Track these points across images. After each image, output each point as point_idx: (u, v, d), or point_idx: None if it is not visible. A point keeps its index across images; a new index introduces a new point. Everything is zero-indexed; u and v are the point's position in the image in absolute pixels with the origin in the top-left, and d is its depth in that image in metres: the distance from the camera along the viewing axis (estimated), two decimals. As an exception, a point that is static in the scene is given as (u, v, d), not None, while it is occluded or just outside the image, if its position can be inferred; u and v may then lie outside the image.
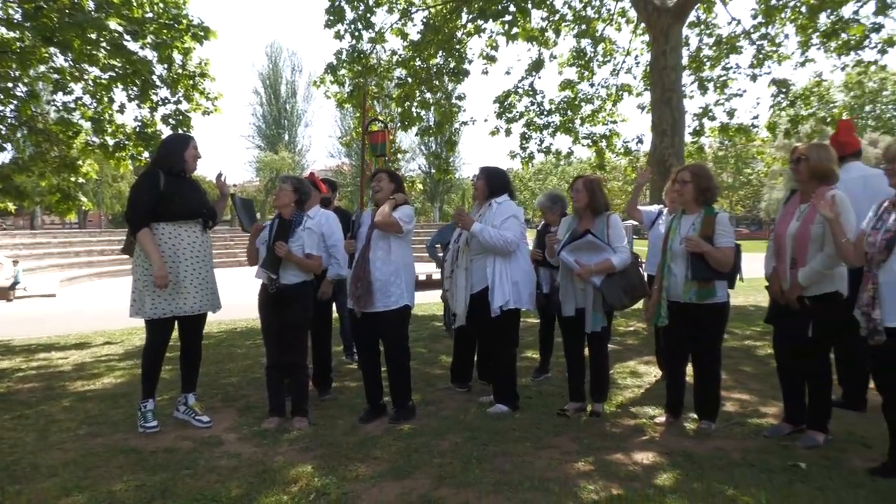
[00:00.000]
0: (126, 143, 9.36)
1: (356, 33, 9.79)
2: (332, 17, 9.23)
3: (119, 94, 9.43)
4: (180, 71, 9.14)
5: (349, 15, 9.41)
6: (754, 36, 11.50)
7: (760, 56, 11.63)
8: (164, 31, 8.51)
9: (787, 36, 11.42)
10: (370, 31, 9.85)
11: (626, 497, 2.80)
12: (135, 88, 8.82)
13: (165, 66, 8.77)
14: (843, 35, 9.81)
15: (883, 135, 39.72)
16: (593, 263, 4.00)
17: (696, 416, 3.92)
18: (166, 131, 9.18)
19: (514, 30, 9.77)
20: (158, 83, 8.95)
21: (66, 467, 3.27)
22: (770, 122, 12.02)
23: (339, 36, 9.95)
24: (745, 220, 52.67)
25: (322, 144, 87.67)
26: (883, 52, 10.05)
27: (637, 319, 8.56)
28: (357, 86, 10.77)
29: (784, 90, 11.61)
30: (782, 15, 10.86)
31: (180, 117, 9.30)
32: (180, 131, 9.11)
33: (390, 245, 4.06)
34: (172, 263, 3.91)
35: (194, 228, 4.04)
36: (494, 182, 4.39)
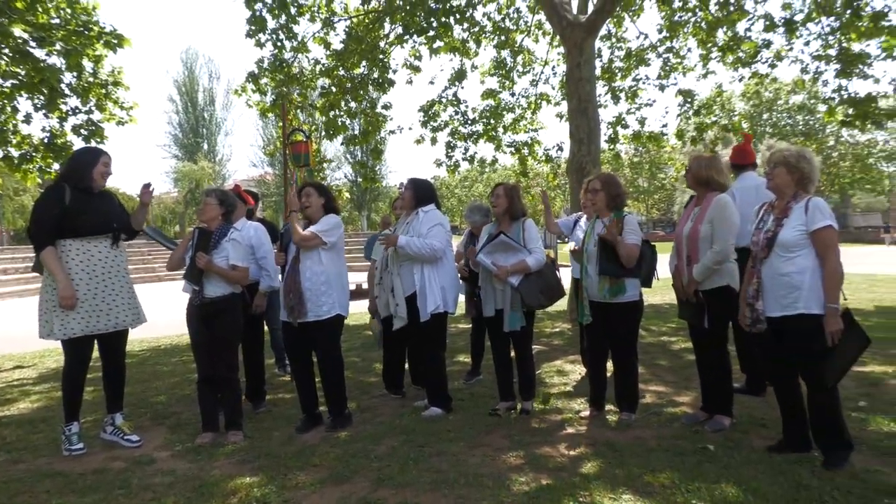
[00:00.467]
0: (34, 154, 8.88)
1: (278, 42, 9.72)
2: (253, 27, 9.12)
3: (24, 104, 8.95)
4: (91, 79, 8.78)
5: (271, 24, 9.33)
6: (660, 49, 12.26)
7: (667, 68, 12.41)
8: (74, 38, 8.16)
9: (689, 49, 12.27)
10: (293, 40, 9.80)
11: (554, 486, 2.99)
12: (41, 97, 8.39)
13: (75, 74, 8.41)
14: (739, 50, 10.59)
15: (779, 141, 42.83)
16: (510, 265, 4.22)
17: (617, 408, 4.19)
18: (78, 142, 8.78)
19: (438, 43, 10.00)
20: (67, 92, 8.56)
21: (-13, 497, 3.13)
22: (678, 130, 12.79)
23: (259, 44, 9.86)
24: (661, 223, 55.35)
25: (244, 153, 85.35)
26: (773, 66, 10.97)
27: (562, 320, 8.92)
28: (280, 95, 10.67)
29: (689, 100, 12.41)
30: (685, 30, 11.63)
31: (93, 128, 8.90)
32: (93, 142, 8.75)
33: (320, 255, 4.11)
34: (85, 281, 3.79)
35: (105, 244, 3.92)
36: (421, 192, 4.57)
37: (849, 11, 8.90)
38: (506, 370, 4.49)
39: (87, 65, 8.65)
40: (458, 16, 8.77)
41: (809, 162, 3.24)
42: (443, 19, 8.53)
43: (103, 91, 8.97)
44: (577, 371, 5.68)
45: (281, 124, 11.70)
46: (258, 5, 8.91)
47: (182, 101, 51.03)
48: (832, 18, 9.49)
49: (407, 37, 10.47)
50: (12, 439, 4.19)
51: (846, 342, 3.02)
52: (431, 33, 8.55)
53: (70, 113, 8.75)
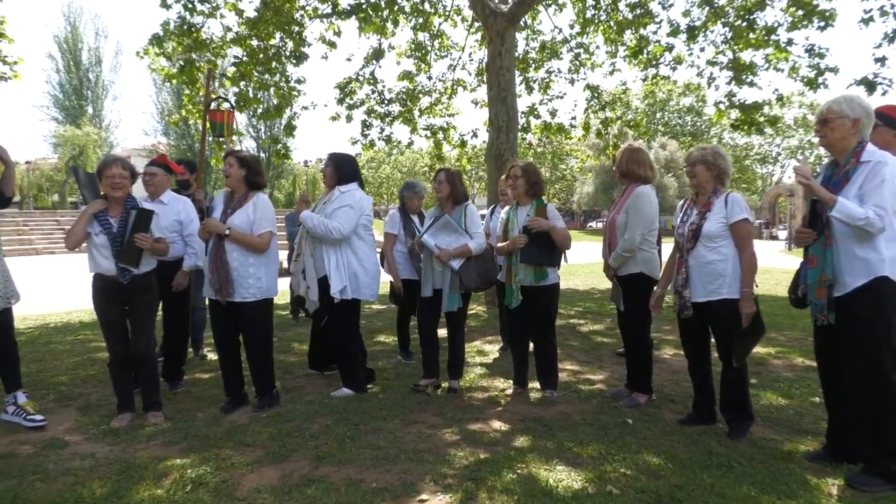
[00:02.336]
0: None
1: (189, 5, 9.15)
2: (164, -14, 8.49)
3: None
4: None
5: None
6: (572, 44, 12.73)
7: (577, 63, 12.91)
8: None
9: (598, 47, 12.82)
10: (205, 3, 9.26)
11: (492, 460, 3.12)
12: None
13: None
14: (645, 52, 11.20)
15: (671, 139, 45.78)
16: (452, 248, 4.30)
17: (539, 386, 4.40)
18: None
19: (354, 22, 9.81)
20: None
21: None
22: (585, 123, 13.36)
23: (166, 5, 9.25)
24: (560, 212, 57.69)
25: (134, 120, 79.30)
26: (673, 68, 11.73)
27: (476, 303, 9.15)
28: (188, 61, 10.07)
29: (596, 95, 12.99)
30: (596, 28, 12.13)
31: (-30, 82, 8.05)
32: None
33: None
34: None
35: None
36: (343, 169, 4.45)
37: (744, 23, 9.67)
38: (432, 347, 4.57)
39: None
40: None
41: (725, 158, 3.55)
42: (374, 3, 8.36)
43: (-17, 42, 8.11)
44: (495, 351, 5.88)
45: (188, 91, 11.06)
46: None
47: (64, 59, 46.50)
48: (727, 28, 10.28)
49: (328, 12, 10.19)
50: None
51: (753, 325, 3.34)
52: (362, 15, 8.33)
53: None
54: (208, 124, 7.01)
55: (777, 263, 18.19)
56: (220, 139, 8.18)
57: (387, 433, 3.53)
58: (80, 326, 7.86)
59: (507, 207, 4.59)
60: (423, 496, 2.71)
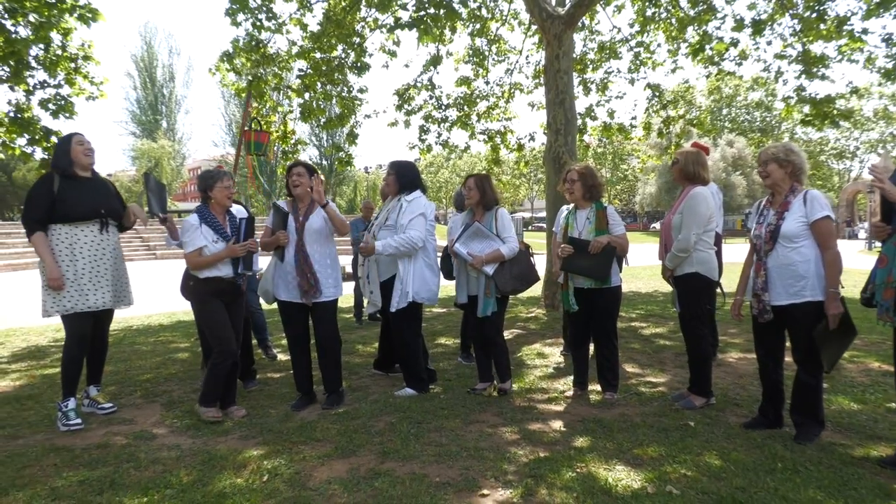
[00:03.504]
0: (-3, 128, 8.62)
1: (258, 22, 9.60)
2: (234, 6, 8.96)
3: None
4: (60, 52, 8.55)
5: (253, 3, 9.19)
6: (632, 43, 12.55)
7: (637, 62, 12.72)
8: (45, 9, 7.93)
9: (659, 45, 12.59)
10: (272, 21, 9.70)
11: (552, 458, 3.18)
12: (6, 69, 8.14)
13: (41, 46, 8.18)
14: (708, 48, 10.93)
15: (738, 136, 44.19)
16: (484, 254, 4.37)
17: (600, 388, 4.42)
18: (45, 117, 8.58)
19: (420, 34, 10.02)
20: (34, 64, 8.32)
21: (-6, 470, 3.15)
22: (645, 123, 13.14)
23: (236, 23, 9.72)
24: (622, 213, 56.56)
25: (205, 133, 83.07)
26: (738, 64, 11.38)
27: (536, 306, 9.16)
28: (256, 76, 10.56)
29: (658, 94, 12.76)
30: (656, 25, 11.92)
31: (61, 102, 8.70)
32: (62, 117, 8.60)
33: (326, 238, 4.23)
34: (69, 263, 3.96)
35: (91, 229, 4.06)
36: (405, 177, 4.55)
37: (813, 14, 9.31)
38: (484, 353, 4.65)
39: (56, 37, 8.42)
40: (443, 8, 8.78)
41: (798, 154, 3.44)
42: (430, 10, 8.54)
43: (73, 65, 8.75)
44: (557, 353, 5.90)
45: (256, 104, 11.57)
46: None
47: (140, 77, 49.47)
48: (795, 20, 9.91)
49: (386, 23, 10.47)
50: (3, 416, 4.17)
51: (840, 329, 3.24)
52: (423, 26, 8.53)
53: (37, 87, 8.51)
54: (252, 141, 7.26)
55: (856, 264, 17.27)
56: (262, 156, 8.52)
57: (448, 431, 3.65)
58: (160, 329, 8.37)
59: (565, 210, 4.60)
60: (485, 491, 2.81)
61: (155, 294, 13.60)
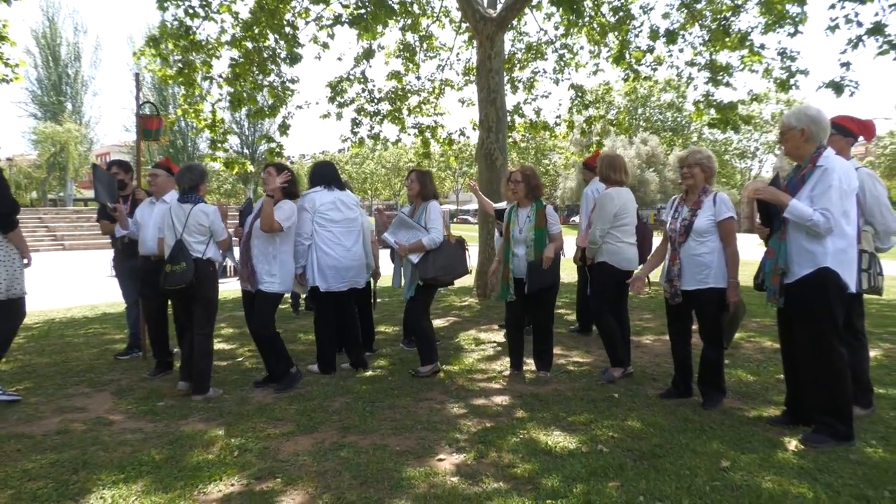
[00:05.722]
0: None
1: (189, 9, 9.43)
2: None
3: None
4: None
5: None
6: (557, 45, 13.19)
7: (562, 63, 13.37)
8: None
9: (582, 47, 13.29)
10: (206, 8, 9.56)
11: (497, 427, 3.56)
12: None
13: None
14: (626, 54, 11.65)
15: (651, 134, 46.57)
16: (408, 243, 4.75)
17: (535, 368, 4.85)
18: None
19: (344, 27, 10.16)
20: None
21: (-44, 457, 3.17)
22: (569, 121, 13.83)
23: (163, 8, 9.51)
24: (542, 206, 58.44)
25: (115, 117, 78.39)
26: (654, 69, 12.22)
27: (469, 296, 9.58)
28: (186, 62, 10.37)
29: (580, 94, 13.47)
30: (579, 29, 12.57)
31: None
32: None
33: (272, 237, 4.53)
34: None
35: None
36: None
37: (720, 27, 10.18)
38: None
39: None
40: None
41: (714, 161, 4.00)
42: (370, 8, 8.72)
43: (-15, 45, 8.35)
44: (491, 338, 6.31)
45: (184, 91, 11.33)
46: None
47: (42, 55, 45.90)
48: (704, 31, 10.79)
49: (324, 18, 10.54)
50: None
51: (737, 311, 3.80)
52: (363, 24, 8.70)
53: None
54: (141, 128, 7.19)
55: (755, 255, 18.87)
56: (155, 140, 8.43)
57: (401, 408, 3.96)
58: (87, 321, 8.16)
59: (506, 206, 5.02)
60: (441, 456, 3.15)
61: (70, 285, 13.04)
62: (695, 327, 4.06)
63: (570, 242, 6.65)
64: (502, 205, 5.96)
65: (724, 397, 4.00)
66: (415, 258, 4.72)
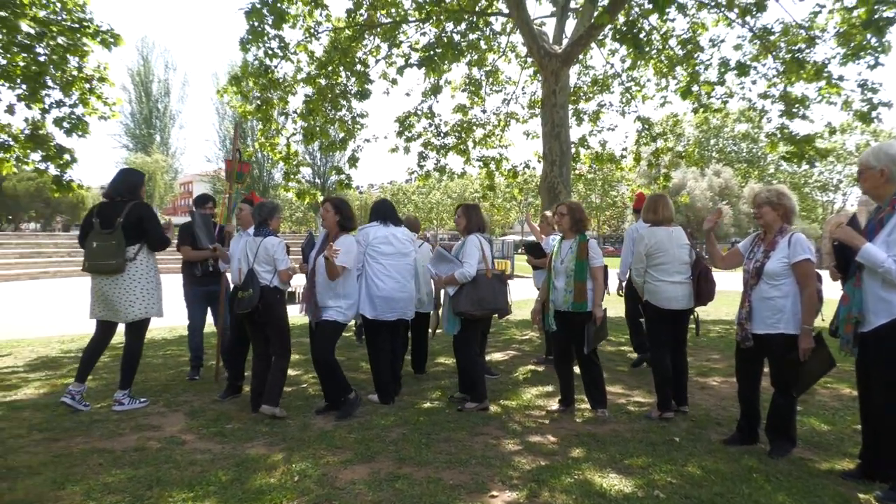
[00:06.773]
0: (11, 144, 8.92)
1: (269, 50, 10.01)
2: (251, 37, 9.30)
3: (6, 93, 9.01)
4: (75, 73, 8.91)
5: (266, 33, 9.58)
6: (623, 77, 13.14)
7: (628, 96, 13.30)
8: (69, 33, 8.33)
9: (649, 80, 13.18)
10: (284, 50, 10.14)
11: (552, 466, 3.54)
12: (23, 88, 8.48)
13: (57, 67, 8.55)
14: (695, 87, 11.46)
15: (725, 166, 45.18)
16: (444, 276, 4.90)
17: (590, 406, 4.78)
18: (59, 135, 8.88)
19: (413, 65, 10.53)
20: (51, 84, 8.68)
21: (46, 467, 3.45)
22: (636, 153, 13.66)
23: (245, 49, 10.13)
24: (611, 239, 57.43)
25: (197, 148, 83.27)
26: (724, 102, 11.94)
27: (530, 329, 9.54)
28: (264, 100, 10.98)
29: (647, 126, 13.31)
30: (646, 62, 12.49)
31: (75, 121, 9.03)
32: (75, 136, 8.94)
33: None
34: None
35: None
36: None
37: (794, 59, 9.88)
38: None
39: (72, 59, 8.79)
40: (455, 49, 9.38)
41: (789, 198, 3.85)
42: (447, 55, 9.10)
43: (87, 85, 9.10)
44: (550, 374, 6.25)
45: (261, 126, 11.98)
46: (255, 21, 9.04)
47: (136, 91, 49.77)
48: (778, 62, 10.50)
49: (391, 53, 10.97)
50: (38, 421, 4.45)
51: (815, 360, 3.62)
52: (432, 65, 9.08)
53: (53, 106, 8.84)
54: (234, 171, 7.61)
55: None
56: (239, 183, 8.88)
57: (457, 442, 4.00)
58: (165, 343, 8.64)
59: (554, 239, 5.13)
60: (494, 493, 3.16)
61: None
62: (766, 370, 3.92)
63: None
64: (550, 240, 5.96)
65: (793, 447, 3.82)
66: (451, 291, 4.84)
